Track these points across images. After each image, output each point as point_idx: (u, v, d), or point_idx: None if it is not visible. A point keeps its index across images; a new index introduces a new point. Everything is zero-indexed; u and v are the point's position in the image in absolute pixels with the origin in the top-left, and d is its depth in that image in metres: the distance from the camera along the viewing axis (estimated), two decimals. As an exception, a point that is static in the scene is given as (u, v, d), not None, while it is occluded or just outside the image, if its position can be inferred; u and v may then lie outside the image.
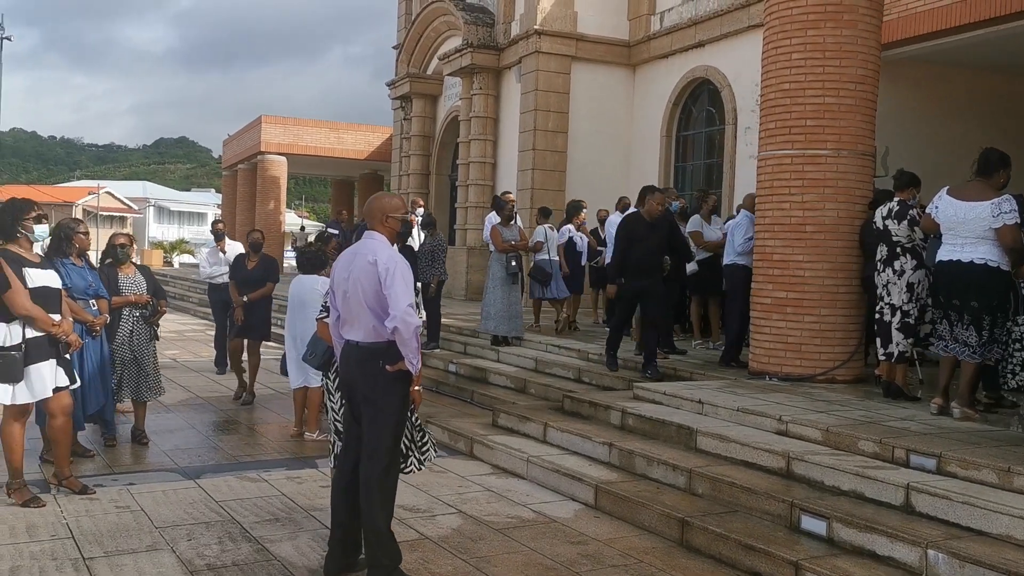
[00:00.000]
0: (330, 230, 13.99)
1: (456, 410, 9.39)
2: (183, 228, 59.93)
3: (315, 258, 8.44)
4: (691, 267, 10.22)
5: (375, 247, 4.50)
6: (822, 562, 4.73)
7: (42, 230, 5.96)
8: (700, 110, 16.17)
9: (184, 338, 16.06)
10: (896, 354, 7.19)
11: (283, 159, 30.85)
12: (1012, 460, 5.17)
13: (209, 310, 14.15)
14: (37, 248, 6.11)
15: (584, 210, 12.77)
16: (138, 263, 8.10)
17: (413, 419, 4.79)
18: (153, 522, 5.60)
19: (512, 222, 11.44)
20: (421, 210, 14.33)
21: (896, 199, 7.21)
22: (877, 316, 7.33)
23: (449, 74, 19.97)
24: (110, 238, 8.01)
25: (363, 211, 4.80)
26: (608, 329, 12.54)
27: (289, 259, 35.28)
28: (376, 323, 4.42)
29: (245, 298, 9.83)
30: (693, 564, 5.13)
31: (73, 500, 5.96)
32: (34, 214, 5.87)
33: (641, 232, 8.92)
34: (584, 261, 12.63)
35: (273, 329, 16.41)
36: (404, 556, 4.71)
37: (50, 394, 5.80)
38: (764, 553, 4.92)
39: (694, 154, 16.40)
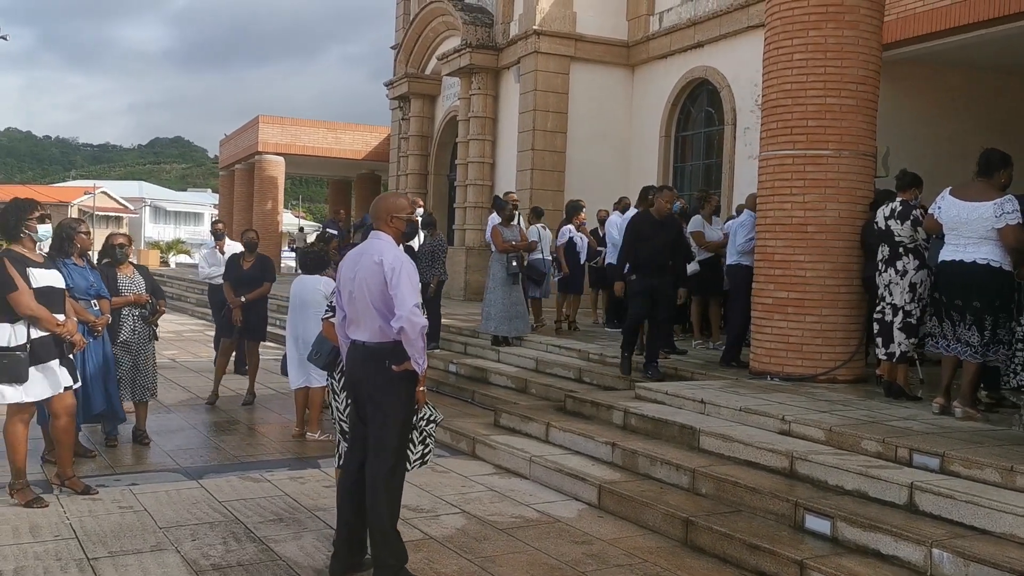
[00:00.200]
0: (329, 230, 13.97)
1: (457, 410, 9.39)
2: (179, 228, 59.90)
3: (318, 258, 8.44)
4: (692, 267, 10.23)
5: (381, 247, 4.50)
6: (827, 561, 4.74)
7: (45, 230, 5.95)
8: (699, 110, 16.19)
9: (183, 338, 16.05)
10: (898, 354, 7.21)
11: (280, 159, 30.86)
12: (1015, 459, 5.19)
13: (207, 310, 14.17)
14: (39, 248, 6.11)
15: (583, 210, 12.79)
16: (135, 263, 8.11)
17: (417, 419, 4.78)
18: (157, 522, 5.59)
19: (513, 222, 11.44)
20: (421, 210, 14.31)
21: (899, 199, 7.23)
22: (879, 316, 7.34)
23: (448, 74, 19.97)
24: (107, 238, 7.99)
25: (370, 211, 4.79)
26: (608, 330, 12.62)
27: (286, 259, 35.31)
28: (382, 323, 4.43)
29: (243, 299, 9.75)
30: (698, 564, 5.13)
31: (76, 500, 5.95)
32: (37, 214, 5.87)
33: (650, 231, 8.87)
34: (583, 261, 12.63)
35: (270, 329, 16.42)
36: (409, 556, 4.70)
37: (54, 394, 5.79)
38: (769, 552, 4.93)
39: (693, 154, 16.42)
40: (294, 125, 31.35)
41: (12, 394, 5.64)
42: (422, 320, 4.33)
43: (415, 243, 11.31)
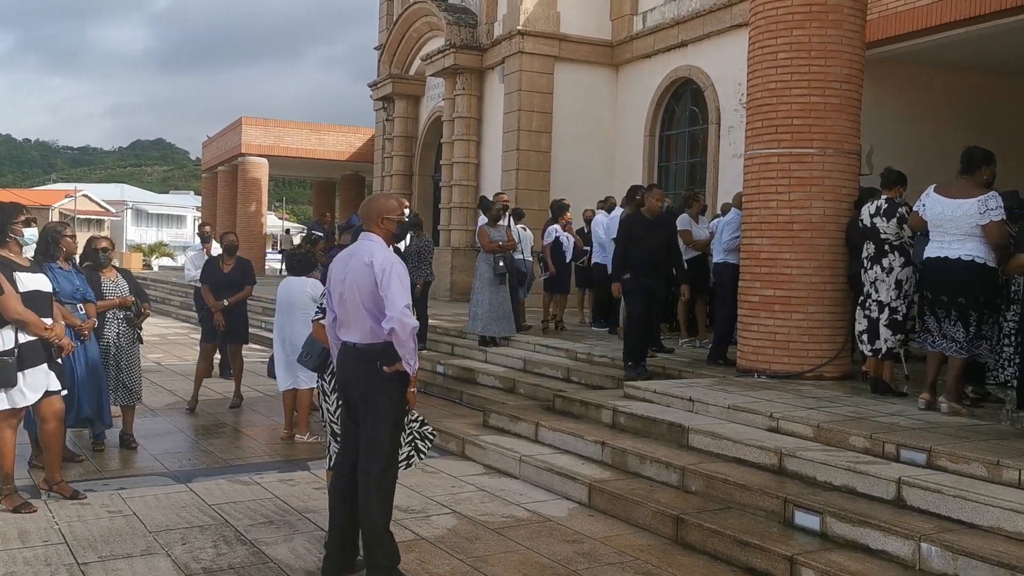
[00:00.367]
0: (315, 232, 13.93)
1: (445, 411, 9.40)
2: (161, 231, 59.61)
3: (305, 260, 8.43)
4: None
5: (371, 248, 4.50)
6: (817, 556, 4.78)
7: (31, 234, 5.93)
8: (683, 110, 16.26)
9: (167, 341, 15.98)
10: (884, 350, 7.26)
11: (264, 161, 30.73)
12: (1001, 453, 5.24)
13: (192, 313, 14.10)
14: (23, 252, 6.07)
15: (569, 210, 12.81)
16: (118, 267, 8.08)
17: (408, 420, 4.79)
18: (146, 526, 5.57)
19: (500, 222, 11.45)
20: (407, 211, 14.30)
21: (884, 197, 7.28)
22: (866, 313, 7.38)
23: (432, 75, 19.96)
24: (88, 241, 7.90)
25: (359, 212, 4.79)
26: (594, 329, 12.66)
27: (271, 261, 35.17)
28: (373, 324, 4.43)
29: (225, 302, 9.61)
30: (689, 561, 5.16)
31: (64, 505, 5.92)
32: (23, 218, 5.84)
33: (642, 230, 8.82)
34: (569, 260, 12.64)
35: (255, 331, 16.36)
36: (401, 557, 4.71)
37: (42, 398, 5.76)
38: (759, 548, 4.96)
39: (677, 153, 16.48)
40: (277, 126, 31.23)
41: (1, 399, 5.61)
42: (413, 321, 4.34)
43: (402, 244, 11.30)
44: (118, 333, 7.69)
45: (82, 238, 7.92)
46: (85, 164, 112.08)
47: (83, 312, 6.93)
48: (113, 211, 54.73)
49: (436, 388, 10.70)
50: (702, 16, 15.01)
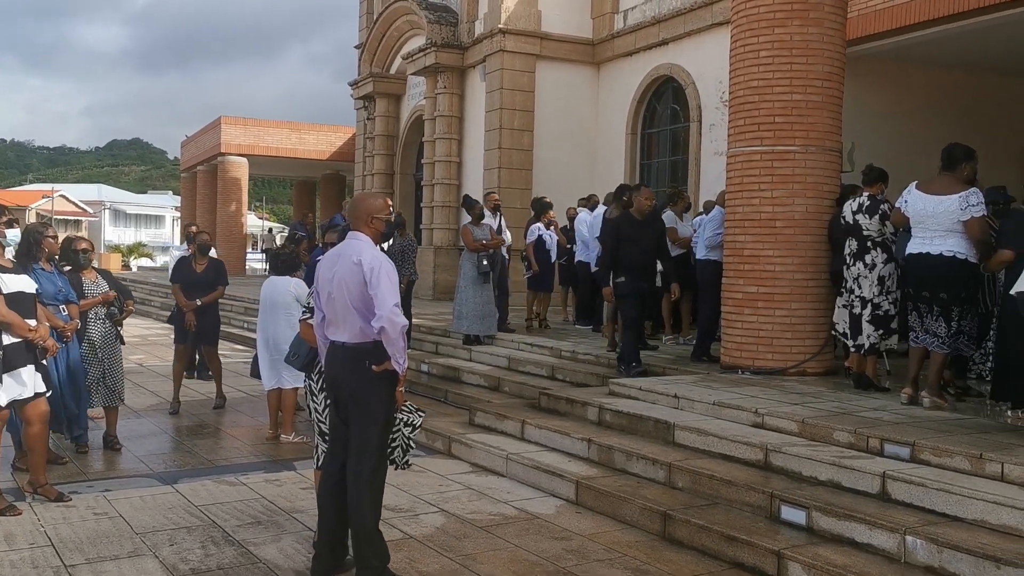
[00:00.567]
0: (298, 232, 13.90)
1: (431, 410, 9.34)
2: (140, 231, 59.05)
3: (289, 260, 8.41)
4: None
5: (360, 247, 4.50)
6: (803, 551, 4.82)
7: (13, 234, 5.88)
8: (664, 108, 16.31)
9: (148, 342, 15.86)
10: (867, 346, 7.32)
11: (244, 160, 30.58)
12: (983, 447, 5.31)
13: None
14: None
15: (552, 208, 12.82)
16: (97, 267, 8.04)
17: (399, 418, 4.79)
18: (133, 528, 5.54)
19: (484, 220, 11.45)
20: (391, 210, 14.29)
21: (865, 194, 7.34)
22: (847, 308, 7.44)
23: (413, 73, 19.93)
24: (64, 242, 7.81)
25: (347, 212, 4.79)
26: (578, 327, 12.68)
27: (251, 261, 35.00)
28: (362, 323, 4.43)
29: (198, 302, 9.43)
30: (677, 556, 5.19)
31: (49, 508, 5.88)
32: (5, 218, 5.81)
33: (631, 231, 8.74)
34: (553, 259, 12.66)
35: (236, 331, 16.28)
36: (391, 556, 4.71)
37: (27, 400, 5.72)
38: (746, 543, 5.00)
39: (659, 151, 16.53)
40: (257, 126, 31.07)
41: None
42: (402, 319, 4.34)
43: (385, 244, 11.28)
44: (101, 334, 7.65)
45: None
46: (61, 164, 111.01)
47: (65, 313, 6.89)
48: (91, 211, 54.18)
49: (421, 387, 10.69)
50: (683, 14, 15.07)
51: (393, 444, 4.79)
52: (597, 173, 17.08)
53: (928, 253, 6.47)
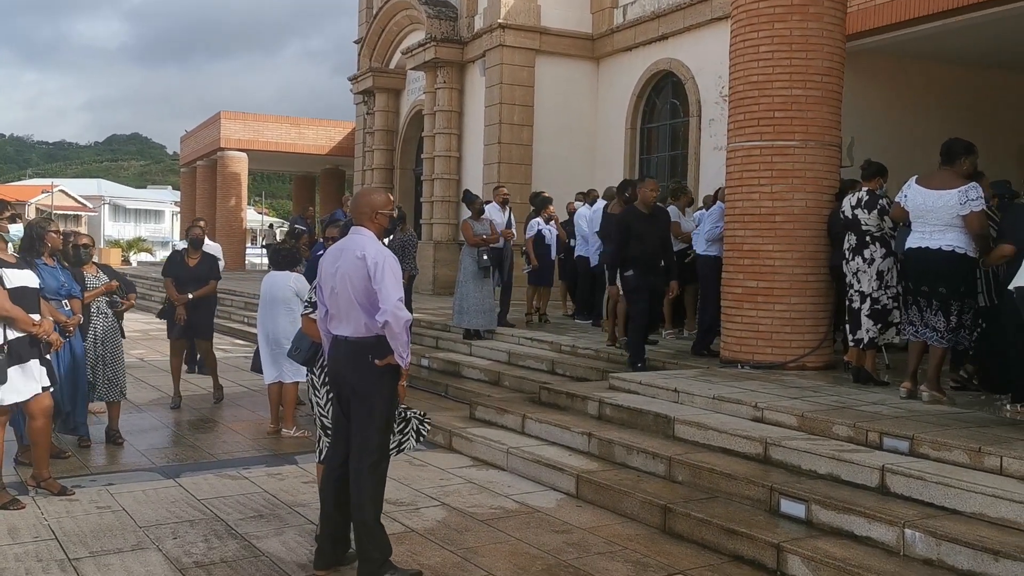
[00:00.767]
0: (298, 226, 13.91)
1: (431, 404, 9.42)
2: (139, 226, 59.03)
3: (290, 255, 8.43)
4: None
5: (363, 242, 4.52)
6: (803, 544, 4.85)
7: (16, 229, 5.90)
8: (664, 102, 16.32)
9: (149, 337, 15.89)
10: (866, 340, 7.35)
11: (243, 155, 30.62)
12: (982, 440, 5.33)
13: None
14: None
15: (552, 203, 12.84)
16: (97, 262, 8.06)
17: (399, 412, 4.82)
18: (136, 522, 5.57)
19: (491, 216, 11.47)
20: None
21: (864, 189, 7.37)
22: (847, 303, 7.48)
23: (412, 68, 19.93)
24: (63, 237, 7.81)
25: (351, 207, 4.81)
26: (577, 321, 12.70)
27: (251, 256, 35.01)
28: (366, 318, 4.45)
29: (190, 295, 9.38)
30: (677, 549, 5.22)
31: (53, 502, 5.91)
32: (8, 214, 5.83)
33: (641, 226, 8.66)
34: (553, 255, 12.69)
35: (237, 326, 16.30)
36: (393, 549, 4.74)
37: (32, 395, 5.75)
38: (746, 537, 5.03)
39: (659, 146, 16.55)
40: (257, 121, 31.10)
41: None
42: (406, 314, 4.36)
43: (387, 238, 11.29)
44: (104, 328, 7.69)
45: (59, 235, 7.83)
46: (60, 159, 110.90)
47: (68, 308, 6.91)
48: (90, 206, 54.17)
49: (421, 381, 10.72)
50: (682, 9, 15.08)
51: (403, 440, 4.83)
52: (596, 168, 17.11)
53: (927, 247, 6.49)
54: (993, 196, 7.30)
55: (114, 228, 56.59)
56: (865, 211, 7.22)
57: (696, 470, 5.96)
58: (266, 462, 7.20)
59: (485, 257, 11.16)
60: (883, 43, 11.37)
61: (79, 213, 53.23)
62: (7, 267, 5.70)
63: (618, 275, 9.12)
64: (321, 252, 7.03)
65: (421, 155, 20.12)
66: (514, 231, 12.17)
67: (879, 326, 7.32)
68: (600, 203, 11.51)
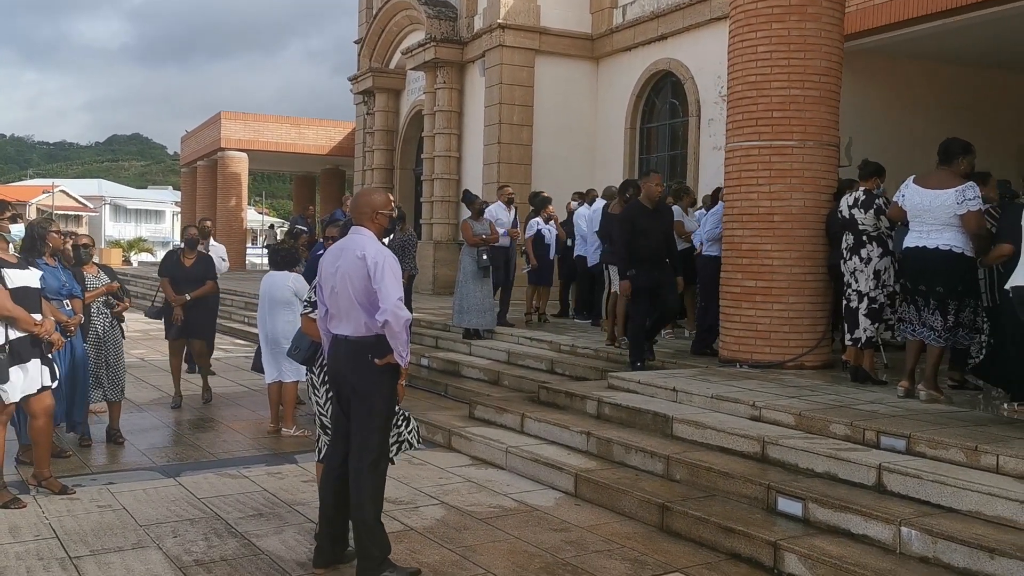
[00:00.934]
0: (298, 226, 13.93)
1: (431, 403, 9.45)
2: (140, 226, 59.06)
3: (288, 255, 8.45)
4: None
5: (363, 242, 4.55)
6: (800, 541, 4.87)
7: (17, 230, 5.93)
8: (663, 102, 16.35)
9: (150, 337, 15.90)
10: (863, 339, 7.37)
11: (244, 155, 30.65)
12: (979, 439, 5.36)
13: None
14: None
15: (551, 203, 12.87)
16: (98, 262, 8.09)
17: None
18: (136, 520, 5.60)
19: (483, 216, 11.49)
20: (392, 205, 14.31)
21: (861, 188, 7.39)
22: (844, 303, 7.50)
23: (412, 68, 19.96)
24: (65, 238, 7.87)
25: (350, 207, 4.83)
26: (577, 321, 12.73)
27: (251, 256, 35.04)
28: (366, 318, 4.48)
29: (187, 296, 9.38)
30: (674, 547, 5.25)
31: (54, 500, 5.94)
32: (9, 214, 5.85)
33: (646, 222, 8.59)
34: (553, 254, 12.71)
35: (237, 326, 16.32)
36: (392, 547, 4.76)
37: (33, 395, 5.78)
38: (743, 535, 5.06)
39: (658, 146, 16.57)
40: (257, 121, 31.13)
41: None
42: (406, 313, 4.39)
43: (386, 238, 11.31)
44: (104, 327, 7.72)
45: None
46: (61, 159, 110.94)
47: (69, 308, 6.93)
48: (91, 207, 54.21)
49: (421, 381, 10.75)
50: (681, 9, 15.10)
51: (400, 440, 4.86)
52: (596, 168, 17.14)
53: (925, 247, 6.51)
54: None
55: (115, 228, 56.61)
56: (862, 211, 7.25)
57: (694, 469, 5.98)
58: (266, 461, 7.23)
59: (485, 257, 11.19)
60: (882, 43, 11.39)
61: (80, 213, 53.25)
62: (8, 267, 5.73)
63: (614, 272, 9.09)
64: (321, 252, 7.06)
65: (421, 155, 20.15)
66: (520, 230, 12.20)
67: (877, 325, 7.34)
68: (599, 203, 11.53)
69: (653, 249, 8.60)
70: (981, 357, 7.65)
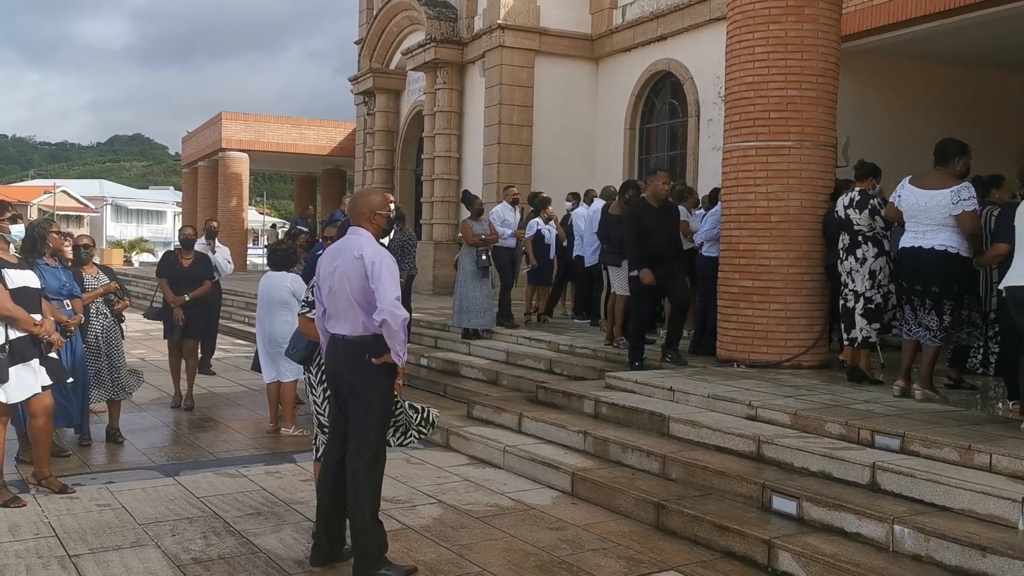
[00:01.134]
0: (298, 227, 13.96)
1: (430, 403, 9.27)
2: (141, 227, 59.16)
3: (286, 255, 8.49)
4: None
5: (360, 243, 4.59)
6: (793, 540, 4.90)
7: (17, 230, 5.97)
8: (663, 103, 16.37)
9: (150, 337, 15.93)
10: (860, 339, 7.40)
11: (244, 156, 30.69)
12: (972, 438, 5.38)
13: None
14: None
15: (551, 203, 12.89)
16: (98, 263, 8.13)
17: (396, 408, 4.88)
18: (135, 519, 5.63)
19: (482, 216, 11.53)
20: (392, 206, 14.35)
21: (857, 189, 7.42)
22: (841, 302, 7.53)
23: (412, 69, 20.00)
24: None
25: (348, 208, 4.87)
26: (576, 321, 12.76)
27: (252, 256, 35.09)
28: (364, 317, 4.52)
29: (186, 297, 9.38)
30: (670, 546, 5.28)
31: (53, 499, 5.98)
32: (9, 214, 5.89)
33: (652, 221, 8.54)
34: (552, 254, 12.74)
35: (237, 326, 16.36)
36: (388, 546, 4.79)
37: (33, 394, 5.81)
38: (738, 533, 5.09)
39: (658, 146, 16.60)
40: (257, 121, 31.17)
41: (-7, 395, 5.65)
42: (403, 313, 4.42)
43: (385, 239, 11.35)
44: (103, 328, 7.75)
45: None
46: (63, 160, 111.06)
47: (69, 308, 6.97)
48: (93, 207, 54.30)
49: (420, 381, 10.78)
50: (681, 10, 15.13)
51: (397, 424, 4.90)
52: (596, 168, 17.17)
53: (920, 247, 6.54)
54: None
55: (116, 229, 56.71)
56: (857, 211, 7.28)
57: (690, 468, 6.01)
58: (265, 460, 7.27)
59: (484, 257, 11.22)
60: (881, 43, 11.42)
61: (81, 214, 53.36)
62: (9, 267, 5.77)
63: (613, 272, 9.06)
64: (320, 252, 7.09)
65: (421, 155, 20.19)
66: (525, 231, 12.23)
67: (873, 325, 7.37)
68: (598, 203, 11.56)
69: (658, 248, 8.54)
70: (980, 357, 7.72)
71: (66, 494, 6.07)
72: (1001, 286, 5.79)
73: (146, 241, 50.35)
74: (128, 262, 41.42)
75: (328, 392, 4.88)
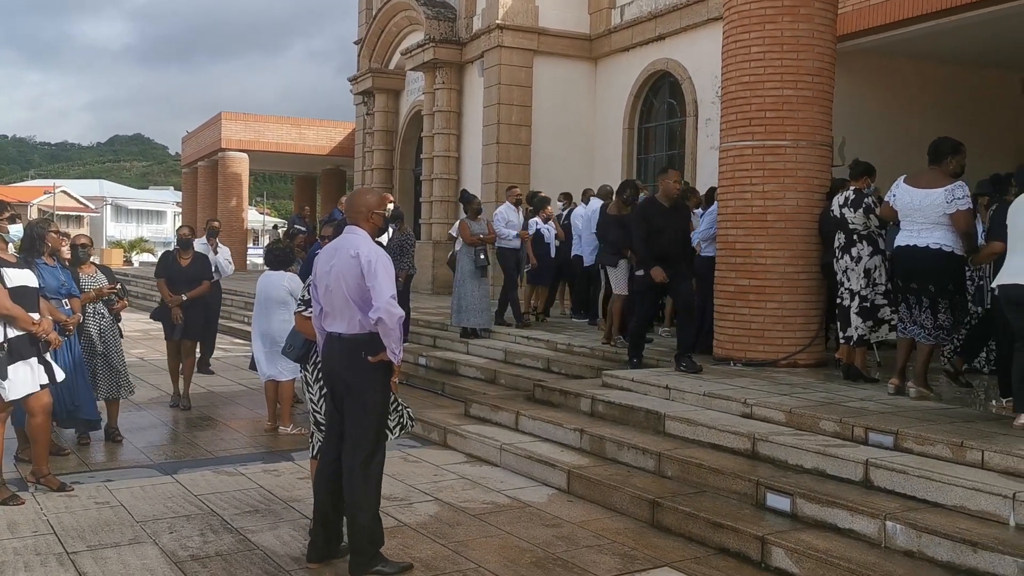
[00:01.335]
0: (296, 226, 14.00)
1: (428, 402, 9.52)
2: (141, 227, 59.20)
3: (283, 255, 8.52)
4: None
5: (357, 241, 4.62)
6: (787, 536, 4.94)
7: (16, 230, 6.00)
8: (661, 102, 16.39)
9: (150, 337, 15.97)
10: (855, 338, 7.43)
11: (244, 156, 30.71)
12: (965, 435, 5.42)
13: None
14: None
15: (550, 203, 12.93)
16: (97, 263, 8.15)
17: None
18: (133, 516, 5.67)
19: (480, 215, 11.56)
20: (391, 205, 14.37)
21: (852, 188, 7.45)
22: (838, 301, 7.57)
23: (411, 69, 20.01)
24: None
25: (345, 207, 4.90)
26: (574, 320, 12.79)
27: (252, 256, 35.11)
28: (360, 315, 4.55)
29: (184, 296, 9.41)
30: (664, 542, 5.31)
31: (52, 497, 6.01)
32: (8, 214, 5.92)
33: (662, 220, 8.26)
34: (552, 254, 12.76)
35: (236, 325, 16.39)
36: (385, 542, 4.82)
37: (31, 392, 5.84)
38: (732, 530, 5.12)
39: (656, 146, 16.62)
40: (257, 121, 31.19)
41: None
42: (399, 311, 4.46)
43: (384, 238, 11.37)
44: (100, 328, 7.78)
45: (62, 235, 7.92)
46: (63, 160, 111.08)
47: (68, 307, 7.00)
48: (92, 207, 54.33)
49: (419, 380, 10.81)
50: (679, 9, 15.15)
51: (401, 416, 4.96)
52: (595, 168, 17.17)
53: (915, 246, 6.57)
54: (982, 195, 7.41)
55: (116, 229, 56.75)
56: (851, 210, 7.31)
57: (685, 465, 6.05)
58: (263, 459, 7.30)
59: (483, 256, 11.25)
60: (878, 43, 11.44)
61: (81, 214, 53.39)
62: (7, 267, 5.80)
63: (612, 272, 9.07)
64: (318, 251, 7.12)
65: (420, 155, 20.21)
66: (529, 231, 12.26)
67: (869, 323, 7.40)
68: (596, 203, 11.59)
69: (668, 248, 8.27)
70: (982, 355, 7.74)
71: (65, 492, 6.10)
72: (994, 284, 5.82)
73: (146, 241, 50.40)
74: (128, 262, 41.46)
75: (324, 390, 4.91)
